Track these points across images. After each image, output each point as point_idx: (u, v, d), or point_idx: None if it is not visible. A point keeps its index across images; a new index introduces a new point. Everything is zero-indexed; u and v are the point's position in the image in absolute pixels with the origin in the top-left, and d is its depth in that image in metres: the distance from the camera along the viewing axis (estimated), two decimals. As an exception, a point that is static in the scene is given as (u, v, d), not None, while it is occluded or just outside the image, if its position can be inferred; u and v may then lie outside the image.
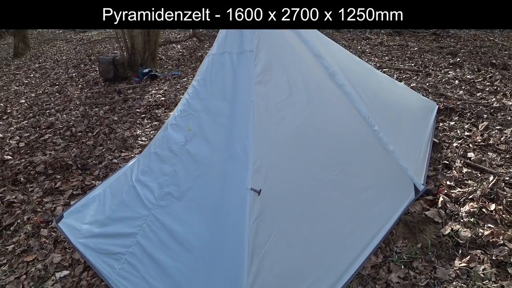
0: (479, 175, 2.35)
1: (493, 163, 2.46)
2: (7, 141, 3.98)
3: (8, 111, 5.06)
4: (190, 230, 1.74)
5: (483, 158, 2.50)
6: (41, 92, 5.83)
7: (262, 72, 1.83)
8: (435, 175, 2.40)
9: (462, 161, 2.47)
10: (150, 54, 6.29)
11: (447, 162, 2.50)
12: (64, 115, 4.63)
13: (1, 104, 5.41)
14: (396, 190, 2.08)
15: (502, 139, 2.69)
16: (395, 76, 4.31)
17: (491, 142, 2.68)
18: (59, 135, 3.99)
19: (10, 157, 3.56)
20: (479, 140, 2.72)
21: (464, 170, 2.40)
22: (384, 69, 4.58)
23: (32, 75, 7.18)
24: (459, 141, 2.72)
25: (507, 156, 2.51)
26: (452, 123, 3.05)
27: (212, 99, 2.01)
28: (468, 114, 3.16)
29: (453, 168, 2.43)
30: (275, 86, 1.86)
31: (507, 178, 2.25)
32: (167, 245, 1.77)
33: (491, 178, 2.24)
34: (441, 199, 2.12)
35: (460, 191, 2.19)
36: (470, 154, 2.56)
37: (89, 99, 5.22)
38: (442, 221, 2.00)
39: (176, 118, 2.14)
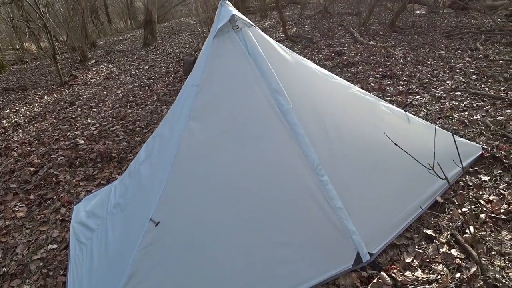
0: (460, 261, 1.96)
1: (493, 250, 1.99)
2: (89, 127, 5.19)
3: (105, 100, 6.47)
4: (114, 239, 2.18)
5: (484, 239, 2.07)
6: (137, 84, 7.17)
7: (202, 107, 2.07)
8: (406, 245, 2.15)
9: (450, 236, 2.13)
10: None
11: (431, 233, 2.18)
12: (140, 109, 5.67)
13: (105, 93, 6.93)
14: (325, 254, 1.95)
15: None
16: (464, 103, 3.74)
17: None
18: (124, 127, 4.98)
19: (82, 142, 4.68)
20: (501, 211, 2.25)
21: (444, 249, 2.05)
22: (458, 92, 4.00)
23: (141, 67, 8.79)
24: (471, 207, 2.30)
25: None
26: (485, 178, 2.57)
27: (164, 126, 2.38)
28: (520, 170, 2.61)
29: (433, 243, 2.12)
30: (211, 123, 2.06)
31: (490, 278, 1.81)
32: (100, 246, 2.25)
33: (472, 270, 1.88)
34: (379, 280, 1.91)
35: (414, 277, 1.91)
36: (470, 230, 2.14)
37: (165, 96, 6.18)
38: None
39: (152, 137, 2.58)
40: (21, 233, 3.01)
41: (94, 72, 9.19)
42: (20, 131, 5.65)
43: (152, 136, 2.54)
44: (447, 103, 3.80)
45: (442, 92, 4.11)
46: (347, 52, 6.57)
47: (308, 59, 6.66)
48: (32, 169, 4.15)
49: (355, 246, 1.95)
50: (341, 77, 5.31)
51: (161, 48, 11.09)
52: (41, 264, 2.59)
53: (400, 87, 4.46)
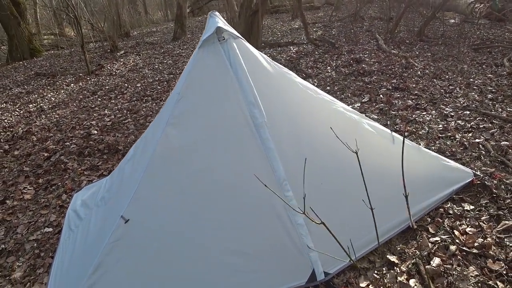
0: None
1: (454, 285, 1.95)
2: (104, 118, 5.51)
3: (124, 92, 6.80)
4: (93, 230, 2.38)
5: (447, 272, 2.04)
6: (157, 79, 7.46)
7: (181, 114, 2.21)
8: (366, 269, 2.16)
9: (413, 265, 2.11)
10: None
11: (394, 259, 2.17)
12: (154, 104, 5.94)
13: (126, 85, 7.28)
14: (279, 268, 2.03)
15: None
16: (471, 123, 3.67)
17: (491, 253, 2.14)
18: (136, 121, 5.25)
19: (95, 132, 4.98)
20: (474, 245, 2.19)
21: (403, 277, 2.04)
22: (467, 111, 3.92)
23: (165, 61, 9.10)
24: (443, 237, 2.30)
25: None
26: (468, 207, 2.55)
27: (150, 128, 2.56)
28: (508, 201, 2.57)
29: (393, 270, 2.11)
30: (186, 130, 2.20)
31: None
32: (83, 235, 2.47)
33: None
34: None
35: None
36: (436, 261, 2.09)
37: (181, 92, 6.40)
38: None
39: (141, 137, 2.76)
40: (25, 214, 3.31)
41: (121, 63, 9.62)
42: (43, 116, 6.07)
43: (141, 136, 2.72)
44: (452, 122, 3.74)
45: (450, 110, 4.04)
46: (367, 59, 6.52)
47: (326, 64, 6.69)
48: (46, 154, 4.49)
49: (311, 263, 2.03)
50: (353, 85, 5.37)
51: (189, 43, 11.39)
52: (35, 245, 2.85)
53: (409, 101, 4.42)
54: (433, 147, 3.28)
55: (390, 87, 5.01)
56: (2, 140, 5.13)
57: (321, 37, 8.88)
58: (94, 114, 5.82)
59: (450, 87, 4.75)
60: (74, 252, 2.39)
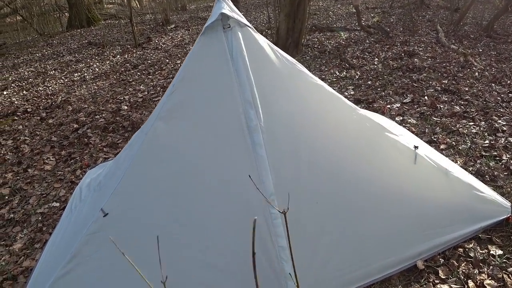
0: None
1: None
2: (138, 94, 5.55)
3: (163, 68, 6.81)
4: (82, 217, 2.34)
5: None
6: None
7: (173, 108, 2.06)
8: None
9: None
10: (293, 41, 6.71)
11: None
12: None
13: (167, 60, 7.28)
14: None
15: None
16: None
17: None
18: (166, 100, 5.21)
19: (125, 108, 5.04)
20: None
21: None
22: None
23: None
24: (453, 286, 1.93)
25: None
26: (495, 252, 2.08)
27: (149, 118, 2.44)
28: (550, 247, 2.13)
29: None
30: (175, 126, 2.05)
31: None
32: (74, 220, 2.45)
33: None
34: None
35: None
36: None
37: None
38: None
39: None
40: (40, 185, 3.42)
41: (169, 38, 9.68)
42: (84, 86, 6.28)
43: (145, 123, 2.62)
44: (502, 139, 3.22)
45: (504, 123, 3.48)
46: (421, 53, 5.89)
47: (374, 55, 6.17)
48: (75, 126, 4.62)
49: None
50: (398, 82, 4.87)
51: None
52: (40, 218, 2.93)
53: (457, 107, 3.89)
54: (471, 168, 2.83)
55: (439, 88, 4.45)
56: (41, 107, 5.38)
57: (376, 24, 8.19)
58: (130, 89, 5.89)
59: (510, 94, 4.10)
60: (64, 236, 2.39)
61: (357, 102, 4.42)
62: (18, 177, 3.54)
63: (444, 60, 5.39)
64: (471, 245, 2.13)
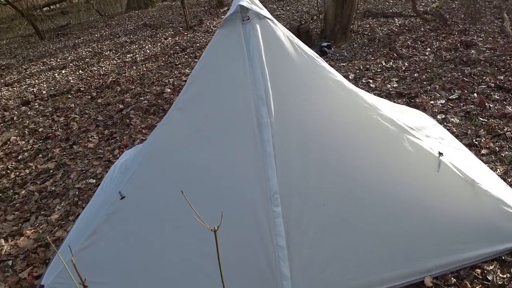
0: None
1: None
2: (182, 77, 5.70)
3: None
4: (104, 197, 2.51)
5: None
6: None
7: (189, 99, 2.11)
8: None
9: None
10: (341, 28, 6.44)
11: None
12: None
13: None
14: (247, 286, 1.86)
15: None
16: None
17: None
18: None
19: (169, 91, 5.22)
20: None
21: None
22: None
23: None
24: None
25: None
26: None
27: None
28: None
29: None
30: (191, 118, 2.10)
31: None
32: (102, 198, 2.63)
33: None
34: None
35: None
36: None
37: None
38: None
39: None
40: (82, 161, 3.71)
41: (220, 20, 9.75)
42: (134, 68, 6.59)
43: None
44: (555, 149, 2.87)
45: (562, 130, 3.09)
46: (480, 44, 5.35)
47: (427, 45, 5.76)
48: (121, 106, 4.90)
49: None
50: (448, 76, 4.51)
51: (293, 4, 10.90)
52: (77, 192, 3.19)
53: (509, 107, 3.51)
54: (510, 179, 2.57)
55: (493, 84, 4.04)
56: (93, 87, 5.76)
57: (435, 10, 7.56)
58: (175, 72, 6.08)
59: None
60: (91, 212, 2.59)
61: (398, 96, 4.17)
62: (64, 153, 3.87)
63: (505, 53, 4.85)
64: (491, 267, 1.94)
